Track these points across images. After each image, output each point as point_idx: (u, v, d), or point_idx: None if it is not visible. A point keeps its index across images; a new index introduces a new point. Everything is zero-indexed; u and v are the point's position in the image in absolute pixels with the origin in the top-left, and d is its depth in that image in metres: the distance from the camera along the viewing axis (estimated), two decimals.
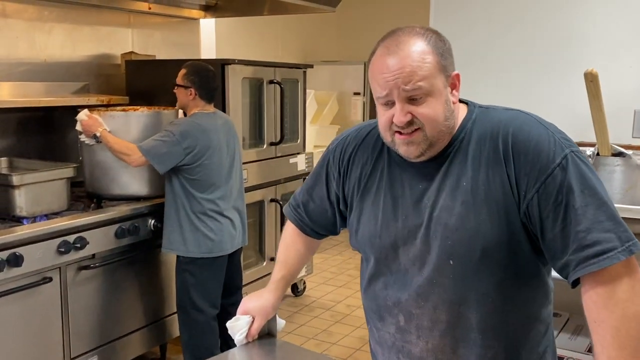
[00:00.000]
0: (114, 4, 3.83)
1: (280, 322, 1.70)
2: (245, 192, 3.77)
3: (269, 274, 4.01)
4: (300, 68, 4.34)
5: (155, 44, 4.21)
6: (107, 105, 3.46)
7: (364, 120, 6.36)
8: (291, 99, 4.24)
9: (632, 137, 2.71)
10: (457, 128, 1.33)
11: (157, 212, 3.15)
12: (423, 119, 1.25)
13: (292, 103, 4.27)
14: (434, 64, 1.24)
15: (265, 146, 3.98)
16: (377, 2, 6.80)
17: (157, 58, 4.06)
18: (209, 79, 3.09)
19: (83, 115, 3.01)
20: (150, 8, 3.77)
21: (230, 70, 3.56)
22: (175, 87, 3.10)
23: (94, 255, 2.85)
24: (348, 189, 1.49)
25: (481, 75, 3.05)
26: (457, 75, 1.31)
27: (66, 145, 3.51)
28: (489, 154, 1.28)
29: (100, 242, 2.87)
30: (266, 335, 1.68)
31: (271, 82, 3.95)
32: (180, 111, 3.32)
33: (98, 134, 2.98)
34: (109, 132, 3.01)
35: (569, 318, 2.77)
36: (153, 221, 3.13)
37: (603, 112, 2.15)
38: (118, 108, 3.34)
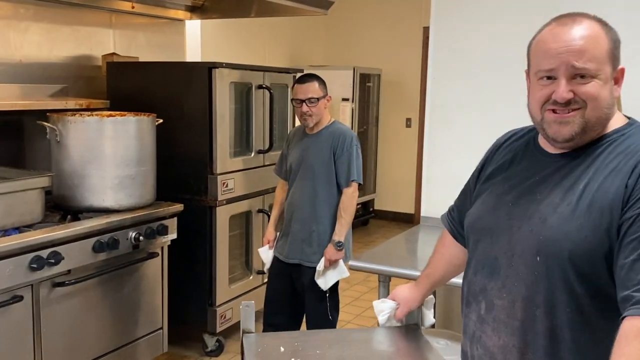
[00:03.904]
0: (94, 2, 3.64)
1: (430, 319, 1.79)
2: (232, 202, 3.61)
3: (255, 288, 3.95)
4: (290, 72, 4.16)
5: (138, 45, 4.02)
6: (87, 110, 3.25)
7: (352, 125, 6.23)
8: (280, 105, 4.07)
9: None
10: (606, 134, 1.26)
11: (138, 224, 2.96)
12: (587, 97, 1.21)
13: (280, 109, 4.10)
14: (607, 50, 1.23)
15: (252, 154, 3.80)
16: (366, 7, 6.67)
17: (140, 60, 3.87)
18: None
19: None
20: (133, 7, 3.58)
21: (217, 74, 3.39)
22: (315, 103, 3.05)
23: (69, 271, 2.65)
24: (480, 179, 1.49)
25: (481, 84, 2.93)
26: (622, 70, 1.27)
27: (35, 151, 3.29)
28: (619, 165, 1.22)
29: (76, 257, 2.67)
30: (413, 325, 1.78)
31: (260, 87, 3.78)
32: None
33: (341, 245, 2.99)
34: (339, 243, 2.97)
35: None
36: (134, 234, 2.93)
37: None
38: (95, 113, 3.13)
